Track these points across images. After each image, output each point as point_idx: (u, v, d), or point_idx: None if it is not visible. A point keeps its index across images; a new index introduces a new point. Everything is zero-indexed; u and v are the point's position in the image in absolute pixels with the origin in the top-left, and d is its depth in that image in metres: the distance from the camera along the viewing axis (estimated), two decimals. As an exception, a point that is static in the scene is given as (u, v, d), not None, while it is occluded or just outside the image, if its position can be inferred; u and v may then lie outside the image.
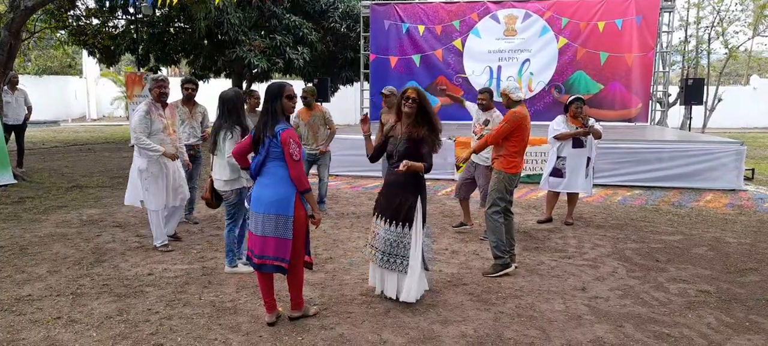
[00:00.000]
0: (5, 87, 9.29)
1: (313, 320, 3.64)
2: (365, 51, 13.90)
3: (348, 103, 22.11)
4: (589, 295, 4.17)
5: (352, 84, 19.41)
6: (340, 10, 16.01)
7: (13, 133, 9.54)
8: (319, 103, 7.16)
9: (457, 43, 13.14)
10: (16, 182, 8.55)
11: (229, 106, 4.42)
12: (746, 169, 9.21)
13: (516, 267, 4.73)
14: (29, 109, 9.79)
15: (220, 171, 4.47)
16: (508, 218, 4.75)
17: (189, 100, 6.04)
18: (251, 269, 4.34)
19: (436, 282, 4.37)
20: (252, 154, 3.56)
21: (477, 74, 13.06)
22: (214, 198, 4.62)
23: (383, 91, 6.50)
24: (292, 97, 3.48)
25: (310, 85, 8.62)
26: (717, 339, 3.44)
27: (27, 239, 5.54)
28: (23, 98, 9.63)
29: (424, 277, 4.01)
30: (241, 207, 4.54)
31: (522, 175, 8.88)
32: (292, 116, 6.68)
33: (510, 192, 4.80)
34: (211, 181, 4.56)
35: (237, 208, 4.58)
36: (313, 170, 6.97)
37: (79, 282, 4.32)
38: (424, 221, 3.94)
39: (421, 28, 13.21)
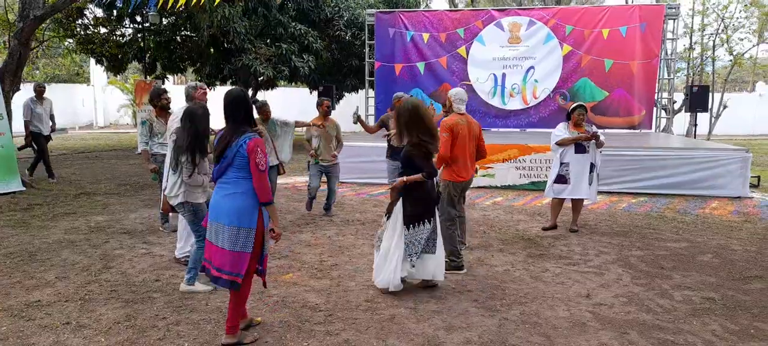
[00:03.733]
0: (33, 97, 9.36)
1: (319, 326, 3.67)
2: (370, 59, 13.98)
3: (353, 110, 22.21)
4: (594, 302, 4.18)
5: (357, 91, 19.49)
6: (345, 18, 16.11)
7: (34, 142, 9.50)
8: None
9: (462, 50, 13.19)
10: (24, 189, 8.64)
11: (200, 122, 3.93)
12: (752, 177, 9.18)
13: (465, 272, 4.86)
14: (52, 118, 9.72)
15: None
16: (459, 222, 5.06)
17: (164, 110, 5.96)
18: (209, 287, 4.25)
19: (441, 289, 4.39)
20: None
21: (481, 81, 13.10)
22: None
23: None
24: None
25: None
26: (721, 346, 3.45)
27: (36, 245, 5.60)
28: (49, 108, 9.59)
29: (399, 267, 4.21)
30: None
31: (526, 182, 9.09)
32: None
33: (458, 200, 5.00)
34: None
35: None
36: (324, 179, 7.12)
37: (87, 288, 4.37)
38: (407, 221, 4.21)
39: (426, 36, 13.27)
